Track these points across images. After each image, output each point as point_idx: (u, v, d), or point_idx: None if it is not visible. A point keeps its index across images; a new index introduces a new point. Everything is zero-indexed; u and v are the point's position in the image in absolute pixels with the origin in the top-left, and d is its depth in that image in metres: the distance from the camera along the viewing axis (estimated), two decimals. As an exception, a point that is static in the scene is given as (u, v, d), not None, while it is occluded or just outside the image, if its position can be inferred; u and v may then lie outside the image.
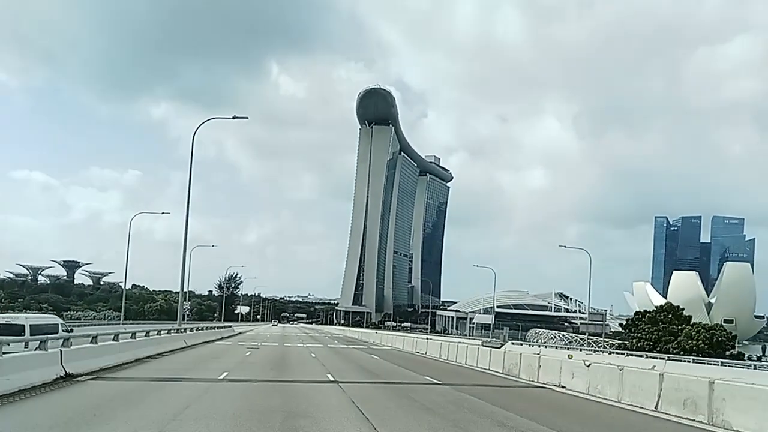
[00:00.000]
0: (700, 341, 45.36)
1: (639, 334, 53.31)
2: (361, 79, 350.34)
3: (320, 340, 50.44)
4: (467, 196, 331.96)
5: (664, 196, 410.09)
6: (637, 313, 60.23)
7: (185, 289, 43.38)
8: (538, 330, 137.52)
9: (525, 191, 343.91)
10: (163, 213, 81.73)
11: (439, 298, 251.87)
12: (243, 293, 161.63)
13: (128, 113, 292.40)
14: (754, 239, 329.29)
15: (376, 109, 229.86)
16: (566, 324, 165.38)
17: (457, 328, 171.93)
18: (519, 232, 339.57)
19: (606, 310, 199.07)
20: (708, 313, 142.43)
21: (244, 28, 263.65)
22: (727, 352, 45.52)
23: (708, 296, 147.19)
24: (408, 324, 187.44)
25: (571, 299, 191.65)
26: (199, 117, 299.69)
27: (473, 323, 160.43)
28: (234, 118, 33.59)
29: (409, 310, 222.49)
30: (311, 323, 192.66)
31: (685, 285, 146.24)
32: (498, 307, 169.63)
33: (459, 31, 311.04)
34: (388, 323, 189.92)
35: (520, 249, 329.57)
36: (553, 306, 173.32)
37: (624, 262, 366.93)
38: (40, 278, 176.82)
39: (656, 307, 58.37)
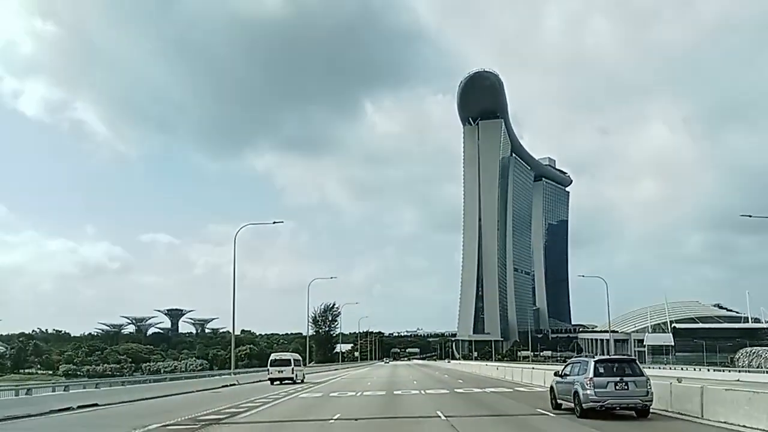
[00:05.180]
0: None
1: None
2: (454, 108, 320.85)
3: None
4: (576, 212, 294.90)
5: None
6: None
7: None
8: (751, 349, 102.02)
9: (637, 203, 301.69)
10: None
11: (570, 321, 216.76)
12: (350, 332, 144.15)
13: (236, 168, 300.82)
14: None
15: (482, 99, 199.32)
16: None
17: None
18: (632, 247, 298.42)
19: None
20: None
21: (335, 70, 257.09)
22: None
23: None
24: (549, 352, 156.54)
25: (732, 311, 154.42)
26: (300, 164, 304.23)
27: (645, 345, 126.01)
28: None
29: (539, 336, 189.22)
30: (424, 358, 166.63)
31: None
32: (674, 321, 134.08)
33: (549, 44, 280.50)
34: (522, 353, 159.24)
35: (635, 265, 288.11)
36: (750, 317, 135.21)
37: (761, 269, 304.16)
38: (152, 329, 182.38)
39: None
